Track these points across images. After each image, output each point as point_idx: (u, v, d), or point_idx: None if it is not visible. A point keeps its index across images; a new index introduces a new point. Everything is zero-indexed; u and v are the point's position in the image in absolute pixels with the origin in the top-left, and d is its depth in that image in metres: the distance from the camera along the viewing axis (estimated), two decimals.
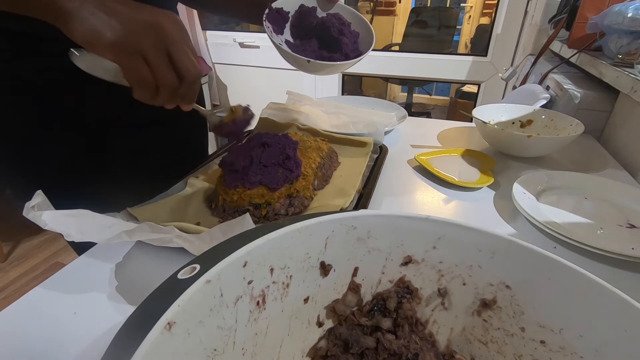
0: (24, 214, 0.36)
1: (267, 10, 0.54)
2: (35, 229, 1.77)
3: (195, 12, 1.91)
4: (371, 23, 0.59)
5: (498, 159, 0.67)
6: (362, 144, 0.66)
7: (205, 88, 2.02)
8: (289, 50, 0.52)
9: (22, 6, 0.33)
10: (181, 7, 0.65)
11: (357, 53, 0.56)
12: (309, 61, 0.51)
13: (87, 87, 0.53)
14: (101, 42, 0.31)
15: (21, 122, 0.51)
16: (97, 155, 0.57)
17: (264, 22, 0.53)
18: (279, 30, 0.57)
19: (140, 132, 0.61)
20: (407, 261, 0.27)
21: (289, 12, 0.57)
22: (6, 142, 0.52)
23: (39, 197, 0.37)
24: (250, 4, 0.60)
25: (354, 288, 0.28)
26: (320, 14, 0.57)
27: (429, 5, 3.49)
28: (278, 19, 0.56)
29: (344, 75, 1.99)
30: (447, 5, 3.42)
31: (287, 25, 0.58)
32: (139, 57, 0.33)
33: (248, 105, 0.49)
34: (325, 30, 0.56)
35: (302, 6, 0.57)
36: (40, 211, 0.36)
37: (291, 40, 0.58)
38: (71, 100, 0.52)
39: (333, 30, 0.55)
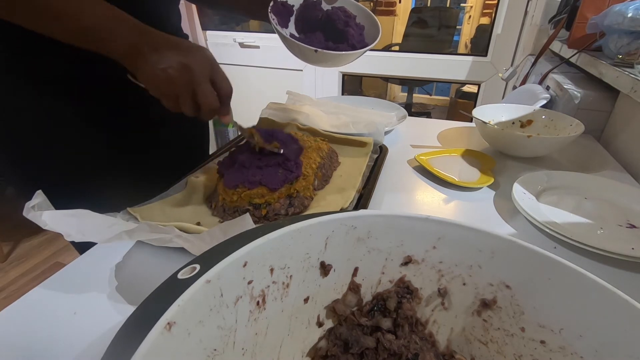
0: (24, 213, 0.36)
1: (272, 3, 0.53)
2: (35, 229, 1.77)
3: (195, 11, 1.91)
4: None
5: (498, 159, 0.67)
6: (362, 144, 0.66)
7: None
8: (297, 41, 0.51)
9: (98, 48, 0.41)
10: (181, 7, 0.66)
11: (363, 44, 0.56)
12: (316, 51, 0.50)
13: (96, 90, 0.53)
14: (149, 87, 0.43)
15: (25, 122, 0.51)
16: (99, 155, 0.57)
17: (269, 14, 0.53)
18: (284, 24, 0.56)
19: (141, 133, 0.61)
20: (407, 261, 0.27)
21: (293, 6, 0.57)
22: (10, 140, 0.52)
23: (39, 197, 0.37)
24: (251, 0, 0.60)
25: (354, 288, 0.28)
26: (325, 7, 0.57)
27: (429, 5, 3.48)
28: (283, 12, 0.56)
29: (344, 75, 1.98)
30: (447, 5, 3.42)
31: (292, 19, 0.58)
32: (173, 97, 0.43)
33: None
34: (331, 22, 0.55)
35: None
36: (40, 211, 0.36)
37: (295, 34, 0.57)
38: (81, 103, 0.53)
39: (339, 23, 0.55)
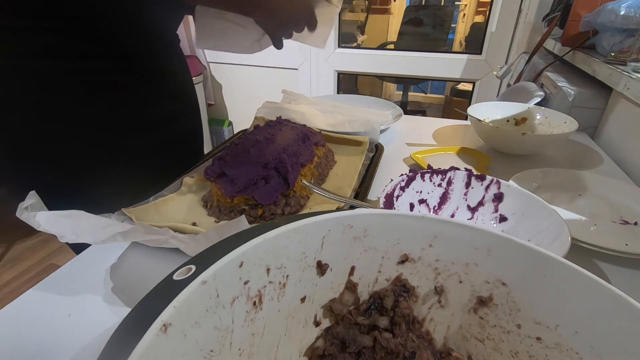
0: (18, 214, 0.35)
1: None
2: (29, 231, 1.75)
3: None
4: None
5: (493, 157, 0.67)
6: (357, 143, 0.66)
7: (200, 87, 2.01)
8: None
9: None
10: None
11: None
12: None
13: (92, 89, 0.53)
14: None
15: (17, 121, 0.51)
16: (93, 155, 0.56)
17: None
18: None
19: (135, 134, 0.60)
20: (404, 259, 0.27)
21: None
22: (3, 140, 0.52)
23: (33, 197, 0.37)
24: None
25: (351, 287, 0.28)
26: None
27: (423, 3, 3.49)
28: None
29: (339, 74, 1.98)
30: (442, 4, 3.42)
31: None
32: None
33: None
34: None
35: None
36: (33, 212, 0.36)
37: None
38: (75, 102, 0.52)
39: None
